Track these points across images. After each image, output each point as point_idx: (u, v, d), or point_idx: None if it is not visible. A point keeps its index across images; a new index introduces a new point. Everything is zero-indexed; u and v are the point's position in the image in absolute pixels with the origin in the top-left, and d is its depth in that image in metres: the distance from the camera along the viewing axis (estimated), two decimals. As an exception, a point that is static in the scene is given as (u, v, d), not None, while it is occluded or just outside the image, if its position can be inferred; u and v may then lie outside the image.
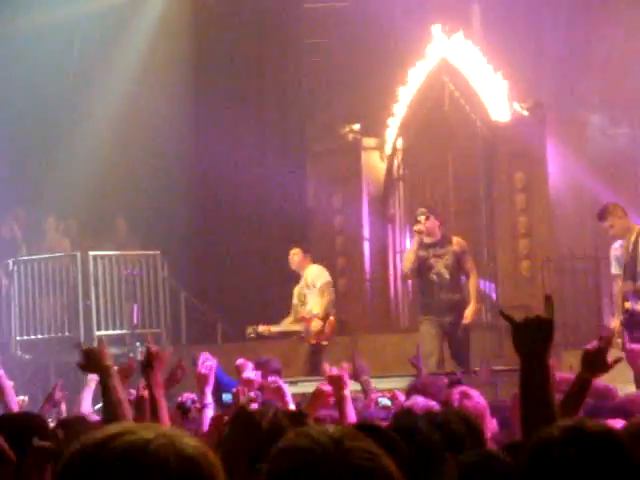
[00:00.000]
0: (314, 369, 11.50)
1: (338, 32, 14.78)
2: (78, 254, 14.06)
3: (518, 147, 12.65)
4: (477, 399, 5.16)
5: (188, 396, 6.04)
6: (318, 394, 5.88)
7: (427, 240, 11.10)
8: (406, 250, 12.29)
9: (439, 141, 13.50)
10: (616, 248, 10.04)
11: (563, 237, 12.38)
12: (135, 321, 12.37)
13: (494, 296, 12.79)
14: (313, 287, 12.33)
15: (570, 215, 12.47)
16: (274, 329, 12.55)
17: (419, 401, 5.45)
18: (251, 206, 14.73)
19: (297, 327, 12.39)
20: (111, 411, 4.02)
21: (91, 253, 13.99)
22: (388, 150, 13.80)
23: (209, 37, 15.50)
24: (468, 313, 11.14)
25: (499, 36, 13.25)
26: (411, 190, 13.69)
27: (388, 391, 6.67)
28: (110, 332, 13.86)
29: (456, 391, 5.31)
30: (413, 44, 13.46)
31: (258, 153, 14.47)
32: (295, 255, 12.50)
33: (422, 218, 11.10)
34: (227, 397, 5.98)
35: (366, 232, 13.80)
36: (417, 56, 13.48)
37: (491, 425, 5.10)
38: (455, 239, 11.30)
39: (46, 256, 14.26)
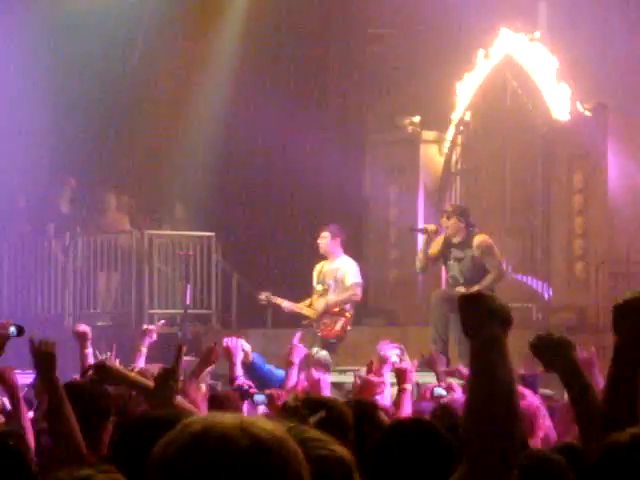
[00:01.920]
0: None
1: (403, 23, 14.75)
2: (134, 232, 14.21)
3: (578, 148, 12.57)
4: (530, 399, 5.14)
5: (244, 382, 6.09)
6: (365, 385, 5.93)
7: (453, 240, 10.93)
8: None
9: (499, 138, 13.46)
10: None
11: (620, 240, 12.29)
12: (187, 301, 12.47)
13: (546, 296, 12.73)
14: (341, 283, 11.28)
15: (628, 218, 12.37)
16: (286, 305, 11.47)
17: (458, 398, 5.48)
18: (308, 193, 14.77)
19: (308, 312, 11.31)
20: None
21: (147, 232, 14.13)
22: (447, 144, 13.78)
23: (273, 23, 15.54)
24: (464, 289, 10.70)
25: (565, 36, 13.17)
26: (468, 185, 13.66)
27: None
28: (162, 311, 14.01)
29: None
30: (478, 39, 13.42)
31: (318, 140, 14.50)
32: (323, 239, 11.32)
33: (443, 218, 10.95)
34: (259, 398, 5.96)
35: (420, 225, 13.78)
36: (481, 51, 13.44)
37: (544, 426, 5.10)
38: (476, 240, 10.83)
39: (103, 233, 14.43)
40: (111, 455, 3.19)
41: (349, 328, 11.34)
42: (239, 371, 6.19)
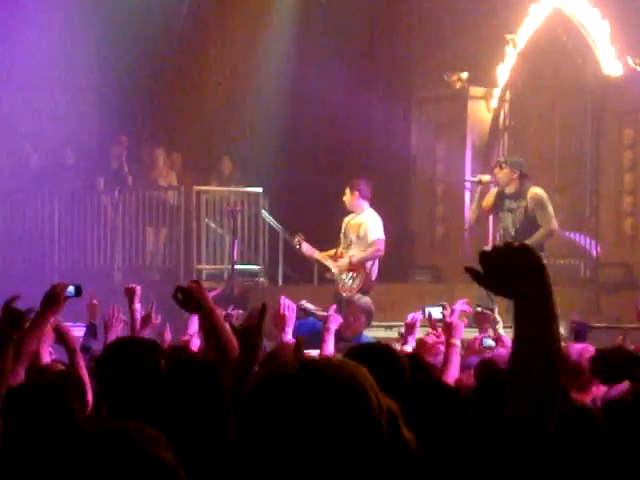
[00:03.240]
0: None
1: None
2: (182, 188, 14.31)
3: (629, 104, 12.44)
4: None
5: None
6: (421, 345, 5.96)
7: (507, 190, 10.92)
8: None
9: (548, 93, 13.34)
10: None
11: (670, 197, 12.20)
12: (235, 257, 12.54)
13: (594, 252, 12.67)
14: (364, 239, 11.26)
15: (678, 175, 12.26)
16: (310, 251, 11.50)
17: (502, 353, 5.47)
18: (355, 149, 14.75)
19: (329, 263, 11.38)
20: (221, 345, 4.09)
21: (195, 188, 14.21)
22: (495, 100, 13.68)
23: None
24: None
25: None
26: (516, 141, 13.57)
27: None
28: (210, 266, 14.12)
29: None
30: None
31: (363, 96, 14.46)
32: (345, 195, 11.44)
33: (497, 168, 10.95)
34: None
35: (476, 177, 13.72)
36: (530, 5, 13.30)
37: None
38: (531, 192, 10.79)
39: (151, 189, 14.54)
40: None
41: (368, 284, 11.18)
42: (289, 337, 6.13)
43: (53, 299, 4.73)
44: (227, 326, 4.13)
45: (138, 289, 6.96)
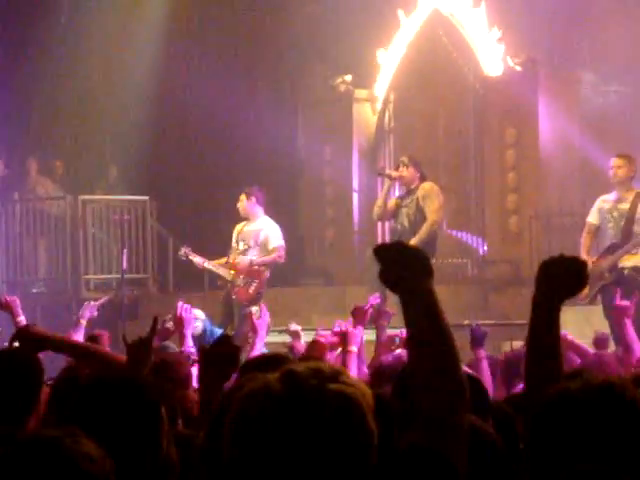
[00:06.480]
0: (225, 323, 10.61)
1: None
2: (68, 197, 14.06)
3: (510, 102, 12.65)
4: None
5: (187, 349, 6.03)
6: (313, 345, 5.94)
7: (405, 189, 11.03)
8: None
9: (431, 94, 13.50)
10: (605, 200, 9.81)
11: (552, 193, 12.44)
12: (124, 266, 12.40)
13: (480, 251, 12.86)
14: (263, 245, 11.17)
15: (559, 171, 12.51)
16: (198, 261, 11.36)
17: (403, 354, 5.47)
18: (242, 155, 14.71)
19: (223, 272, 11.26)
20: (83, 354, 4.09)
21: (81, 197, 13.99)
22: (379, 102, 13.79)
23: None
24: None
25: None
26: (401, 143, 13.69)
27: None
28: (98, 276, 13.92)
29: None
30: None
31: (250, 102, 14.43)
32: (240, 201, 11.33)
33: (402, 167, 10.99)
34: None
35: (355, 183, 13.82)
36: (411, 7, 13.44)
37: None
38: (422, 185, 10.96)
39: (33, 197, 14.25)
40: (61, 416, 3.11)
41: (262, 291, 11.16)
42: (190, 342, 6.08)
43: None
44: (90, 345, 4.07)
45: (14, 300, 6.75)
